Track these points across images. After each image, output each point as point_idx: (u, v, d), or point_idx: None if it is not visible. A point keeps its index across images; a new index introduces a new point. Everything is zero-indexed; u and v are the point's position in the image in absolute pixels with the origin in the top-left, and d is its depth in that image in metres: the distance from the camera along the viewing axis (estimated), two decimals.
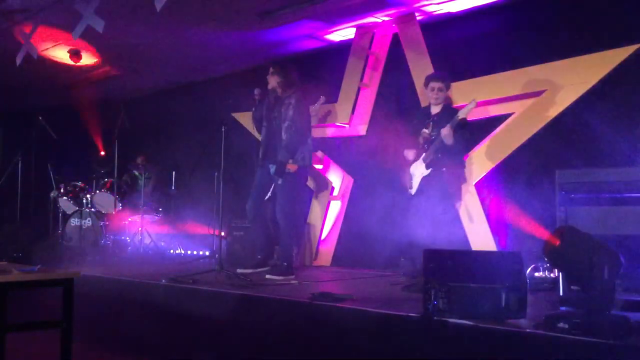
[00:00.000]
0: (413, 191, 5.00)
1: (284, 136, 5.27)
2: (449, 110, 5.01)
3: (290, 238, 5.42)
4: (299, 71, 5.53)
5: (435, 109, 5.05)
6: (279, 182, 5.26)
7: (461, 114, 4.67)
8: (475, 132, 5.48)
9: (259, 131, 5.55)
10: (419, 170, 4.98)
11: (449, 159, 4.84)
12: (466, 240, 5.51)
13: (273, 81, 5.36)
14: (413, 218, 4.96)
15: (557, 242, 3.07)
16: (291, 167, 5.26)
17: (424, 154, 4.94)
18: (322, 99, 6.30)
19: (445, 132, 4.71)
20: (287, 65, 5.53)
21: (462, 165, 5.10)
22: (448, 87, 5.06)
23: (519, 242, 5.35)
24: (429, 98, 5.07)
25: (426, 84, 5.07)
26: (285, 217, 5.30)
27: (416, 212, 4.91)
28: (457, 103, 5.61)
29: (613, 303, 2.95)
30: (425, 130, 4.96)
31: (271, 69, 5.39)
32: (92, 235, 7.33)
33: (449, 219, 4.78)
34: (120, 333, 4.74)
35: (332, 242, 6.81)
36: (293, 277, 5.20)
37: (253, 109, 5.49)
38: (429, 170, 4.88)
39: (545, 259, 3.28)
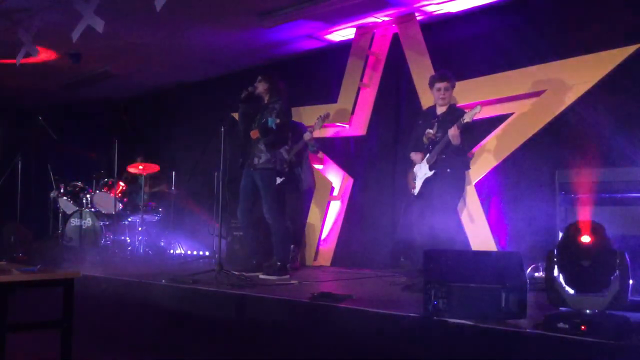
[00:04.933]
0: (416, 192, 4.96)
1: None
2: (455, 110, 4.93)
3: (283, 238, 5.45)
4: (299, 71, 5.54)
5: (440, 109, 4.96)
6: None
7: (467, 118, 4.60)
8: (475, 132, 5.48)
9: (247, 128, 5.50)
10: (422, 172, 4.91)
11: (454, 160, 4.79)
12: (466, 241, 5.51)
13: (261, 87, 5.49)
14: (414, 219, 4.94)
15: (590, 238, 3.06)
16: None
17: (428, 155, 4.87)
18: (326, 115, 6.27)
19: (452, 132, 4.62)
20: (274, 74, 5.70)
21: (467, 167, 5.01)
22: (453, 86, 4.99)
23: (518, 242, 5.36)
24: (435, 99, 4.98)
25: (431, 85, 4.98)
26: (274, 217, 5.37)
27: (419, 213, 4.89)
28: (457, 103, 5.60)
29: (626, 303, 2.96)
30: (430, 131, 4.88)
31: (260, 76, 5.54)
32: (92, 235, 7.32)
33: (450, 222, 4.75)
34: (120, 333, 4.73)
35: (332, 242, 6.81)
36: (288, 277, 5.24)
37: (242, 103, 5.51)
38: (432, 172, 4.81)
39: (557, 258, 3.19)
